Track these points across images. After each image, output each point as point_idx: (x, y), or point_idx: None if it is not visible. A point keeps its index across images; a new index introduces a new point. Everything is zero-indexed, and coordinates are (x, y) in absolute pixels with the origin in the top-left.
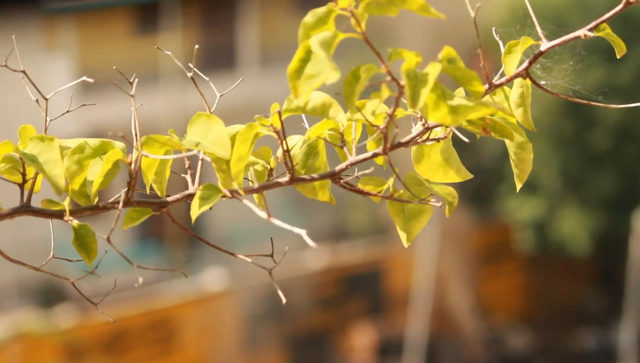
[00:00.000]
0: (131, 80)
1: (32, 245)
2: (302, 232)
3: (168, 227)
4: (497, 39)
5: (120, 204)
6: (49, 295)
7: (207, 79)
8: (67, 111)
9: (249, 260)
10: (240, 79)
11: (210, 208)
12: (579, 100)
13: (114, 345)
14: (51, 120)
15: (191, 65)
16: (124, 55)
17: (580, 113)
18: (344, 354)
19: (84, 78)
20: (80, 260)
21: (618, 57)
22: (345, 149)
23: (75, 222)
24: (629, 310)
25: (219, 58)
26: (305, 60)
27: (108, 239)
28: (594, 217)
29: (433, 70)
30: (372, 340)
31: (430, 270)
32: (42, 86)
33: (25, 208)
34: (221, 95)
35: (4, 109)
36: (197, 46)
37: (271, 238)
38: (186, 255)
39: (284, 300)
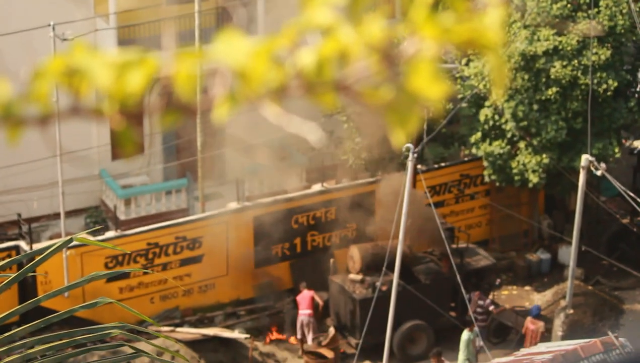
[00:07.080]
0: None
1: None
2: (315, 129)
3: (198, 168)
4: None
5: (156, 109)
6: (96, 218)
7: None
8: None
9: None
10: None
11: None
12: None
13: (149, 254)
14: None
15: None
16: (155, 20)
17: (531, 68)
18: (339, 268)
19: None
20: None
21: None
22: (349, 62)
23: (118, 121)
24: (575, 231)
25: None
26: None
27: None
28: (546, 155)
29: None
30: (361, 256)
31: (406, 200)
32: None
33: (76, 110)
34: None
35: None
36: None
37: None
38: (212, 191)
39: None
